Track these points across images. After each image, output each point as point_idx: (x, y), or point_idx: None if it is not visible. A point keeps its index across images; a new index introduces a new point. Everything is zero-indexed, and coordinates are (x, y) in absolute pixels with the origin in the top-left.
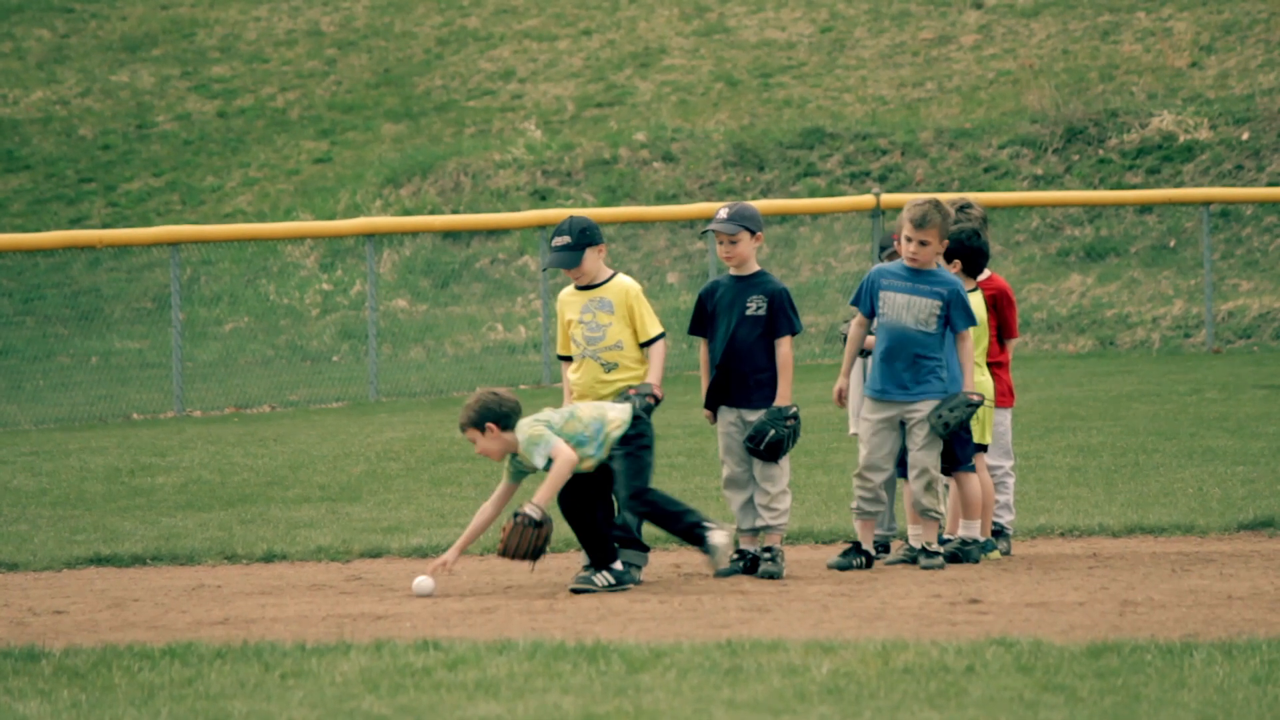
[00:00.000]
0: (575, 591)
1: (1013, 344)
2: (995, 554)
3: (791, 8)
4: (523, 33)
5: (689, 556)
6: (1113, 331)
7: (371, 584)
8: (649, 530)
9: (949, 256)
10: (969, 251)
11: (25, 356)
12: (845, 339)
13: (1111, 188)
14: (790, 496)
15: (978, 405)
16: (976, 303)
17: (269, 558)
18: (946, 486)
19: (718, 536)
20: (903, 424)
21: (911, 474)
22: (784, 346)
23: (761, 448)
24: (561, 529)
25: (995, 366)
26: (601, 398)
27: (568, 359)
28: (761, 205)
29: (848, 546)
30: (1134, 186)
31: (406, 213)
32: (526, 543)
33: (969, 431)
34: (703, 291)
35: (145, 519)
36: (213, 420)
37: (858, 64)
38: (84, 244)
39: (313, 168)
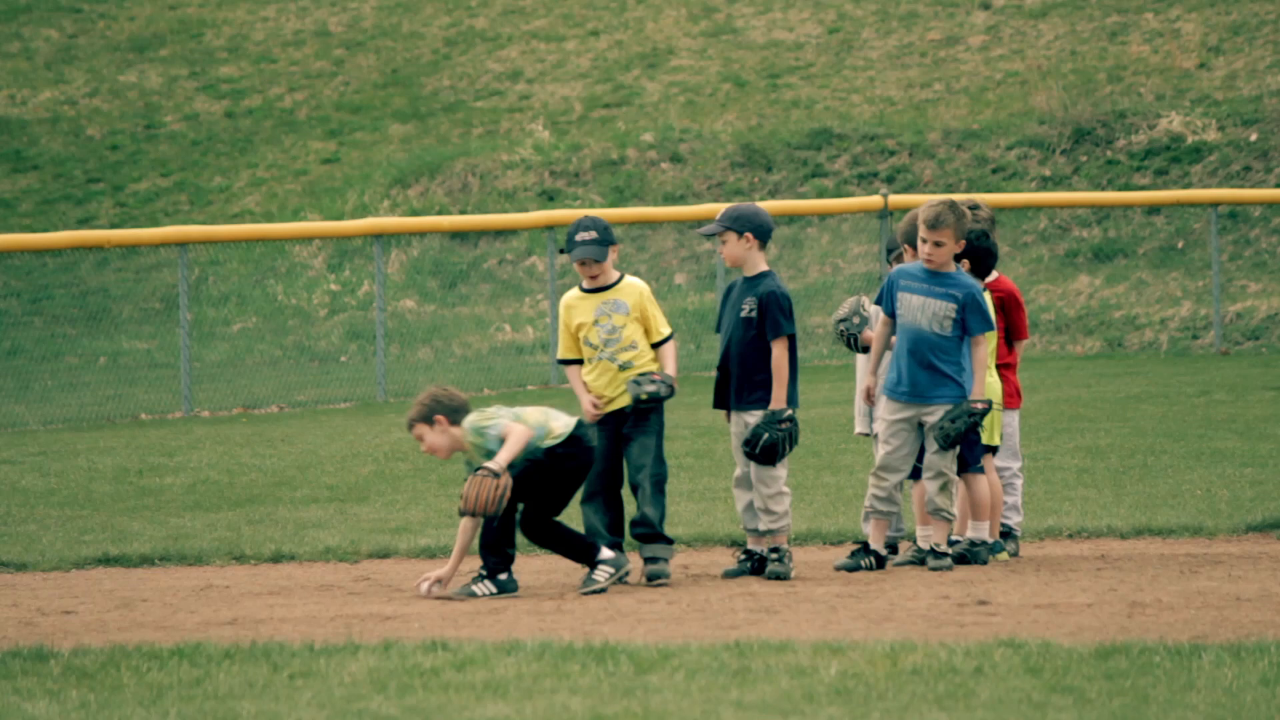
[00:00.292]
0: (585, 594)
1: (1021, 345)
2: (1003, 555)
3: (799, 9)
4: (530, 33)
5: (696, 558)
6: (1121, 333)
7: (380, 584)
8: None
9: (957, 257)
10: (977, 252)
11: (33, 356)
12: (841, 336)
13: (1119, 189)
14: (788, 498)
15: (982, 415)
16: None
17: (277, 558)
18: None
19: (601, 574)
20: (920, 425)
21: (926, 475)
22: (776, 349)
23: (757, 451)
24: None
25: (1003, 368)
26: (619, 394)
27: (570, 362)
28: (769, 206)
29: (856, 547)
30: (1142, 188)
31: (414, 213)
32: (486, 493)
33: (978, 433)
34: (725, 291)
35: (153, 519)
36: (221, 421)
37: (865, 65)
38: (92, 244)
39: (321, 168)
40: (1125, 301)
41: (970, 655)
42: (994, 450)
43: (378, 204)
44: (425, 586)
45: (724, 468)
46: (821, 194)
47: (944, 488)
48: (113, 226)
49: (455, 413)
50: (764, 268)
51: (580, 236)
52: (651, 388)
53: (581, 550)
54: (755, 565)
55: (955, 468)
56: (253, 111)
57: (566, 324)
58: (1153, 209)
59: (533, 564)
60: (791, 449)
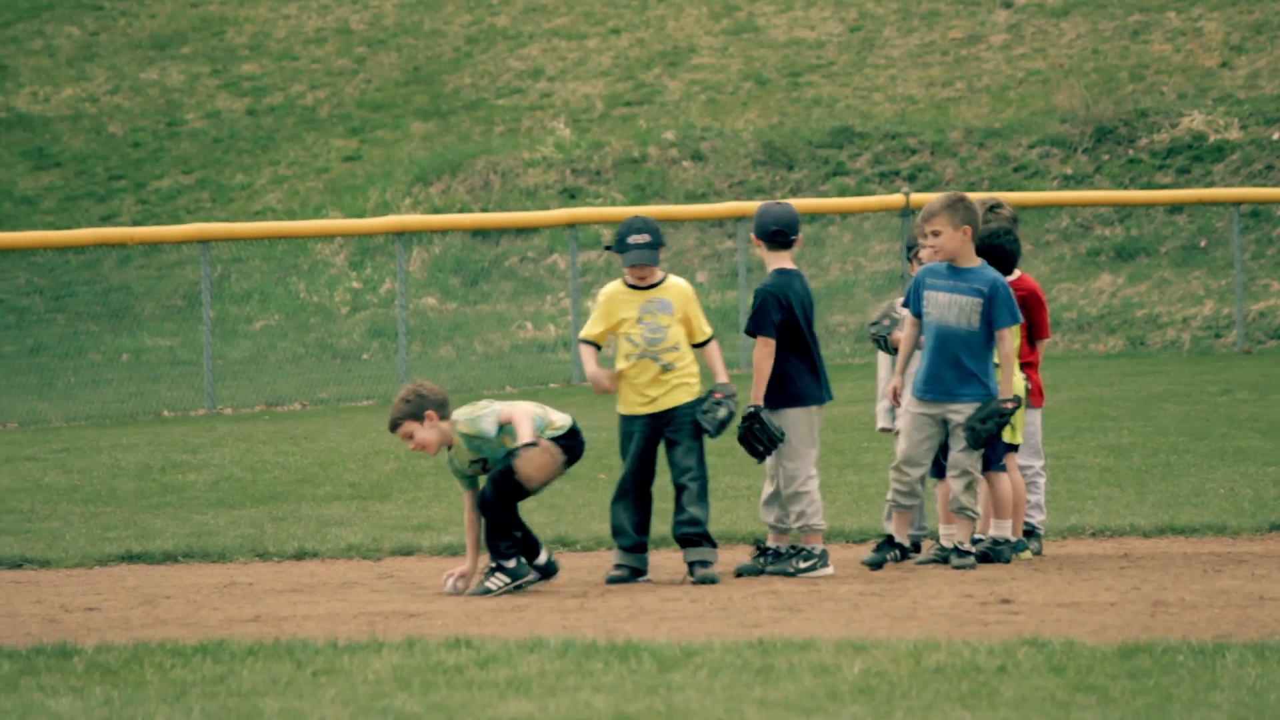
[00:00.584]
0: (473, 594)
1: (1043, 344)
2: (1027, 554)
3: (821, 7)
4: (552, 31)
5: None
6: (1143, 331)
7: (403, 582)
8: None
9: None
10: (999, 251)
11: (56, 354)
12: (874, 339)
13: (1141, 188)
14: (808, 498)
15: (1011, 413)
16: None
17: (300, 555)
18: None
19: (497, 582)
20: (944, 422)
21: (951, 473)
22: (756, 347)
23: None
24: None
25: (1026, 366)
26: (660, 394)
27: (593, 345)
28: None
29: (880, 541)
30: (1164, 186)
31: (436, 211)
32: (543, 459)
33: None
34: None
35: (177, 516)
36: (243, 418)
37: (887, 63)
38: (114, 241)
39: (342, 166)
40: (1148, 300)
41: (993, 654)
42: (1016, 449)
43: (399, 202)
44: (450, 582)
45: (745, 466)
46: (843, 192)
47: (969, 486)
48: (135, 224)
49: (442, 407)
50: (778, 265)
51: (633, 239)
52: (721, 413)
53: (511, 541)
54: (770, 558)
55: (980, 466)
56: (274, 109)
57: (607, 314)
58: (1175, 208)
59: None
60: (764, 444)
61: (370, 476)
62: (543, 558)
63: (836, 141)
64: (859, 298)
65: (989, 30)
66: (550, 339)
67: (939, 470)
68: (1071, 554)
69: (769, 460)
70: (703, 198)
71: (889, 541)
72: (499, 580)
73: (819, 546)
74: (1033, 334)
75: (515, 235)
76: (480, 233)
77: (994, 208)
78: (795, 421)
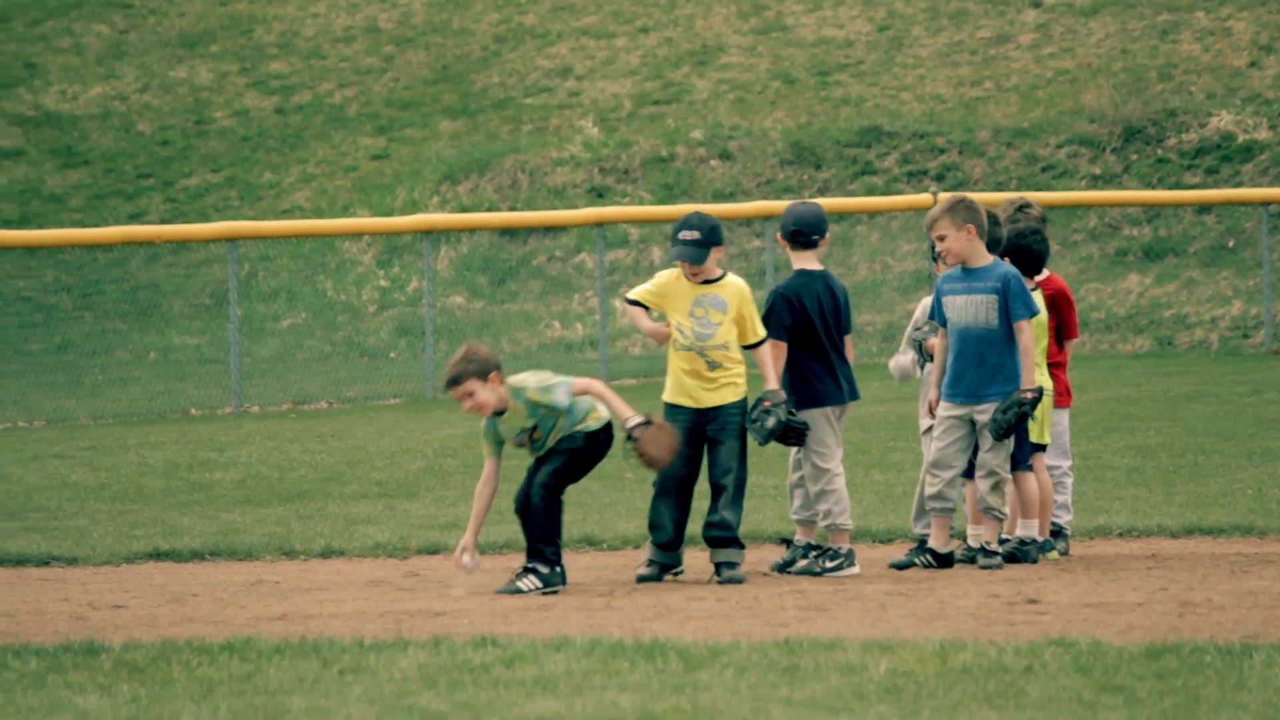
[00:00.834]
0: (500, 591)
1: (1071, 344)
2: (1053, 554)
3: (849, 6)
4: (580, 30)
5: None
6: (1171, 332)
7: (429, 580)
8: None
9: (1006, 255)
10: (1027, 251)
11: (84, 351)
12: (913, 345)
13: (1170, 187)
14: (835, 496)
15: (1032, 402)
16: (1036, 301)
17: (327, 554)
18: None
19: (529, 583)
20: (973, 423)
21: (979, 474)
22: (766, 349)
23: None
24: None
25: (1054, 367)
26: (706, 394)
27: (640, 305)
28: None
29: (914, 546)
30: (1192, 186)
31: (464, 209)
32: (662, 438)
33: (1027, 431)
34: None
35: (204, 514)
36: (270, 416)
37: (915, 63)
38: (143, 239)
39: (370, 164)
40: (1175, 300)
41: (1020, 654)
42: (1044, 449)
43: (427, 200)
44: (465, 558)
45: (772, 465)
46: (871, 192)
47: (996, 486)
48: (163, 222)
49: (500, 367)
50: (801, 265)
51: (683, 235)
52: (770, 422)
53: (557, 548)
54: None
55: (1008, 466)
56: (303, 107)
57: (660, 293)
58: (1203, 208)
59: (582, 560)
60: (760, 439)
61: (397, 475)
62: None
63: (865, 141)
64: (886, 297)
65: (1018, 30)
66: (578, 338)
67: (968, 470)
68: (1099, 554)
69: (792, 454)
70: (731, 197)
71: (921, 546)
72: (531, 582)
73: (845, 546)
74: (1061, 334)
75: (543, 234)
76: (508, 231)
77: (1022, 208)
78: (814, 423)
